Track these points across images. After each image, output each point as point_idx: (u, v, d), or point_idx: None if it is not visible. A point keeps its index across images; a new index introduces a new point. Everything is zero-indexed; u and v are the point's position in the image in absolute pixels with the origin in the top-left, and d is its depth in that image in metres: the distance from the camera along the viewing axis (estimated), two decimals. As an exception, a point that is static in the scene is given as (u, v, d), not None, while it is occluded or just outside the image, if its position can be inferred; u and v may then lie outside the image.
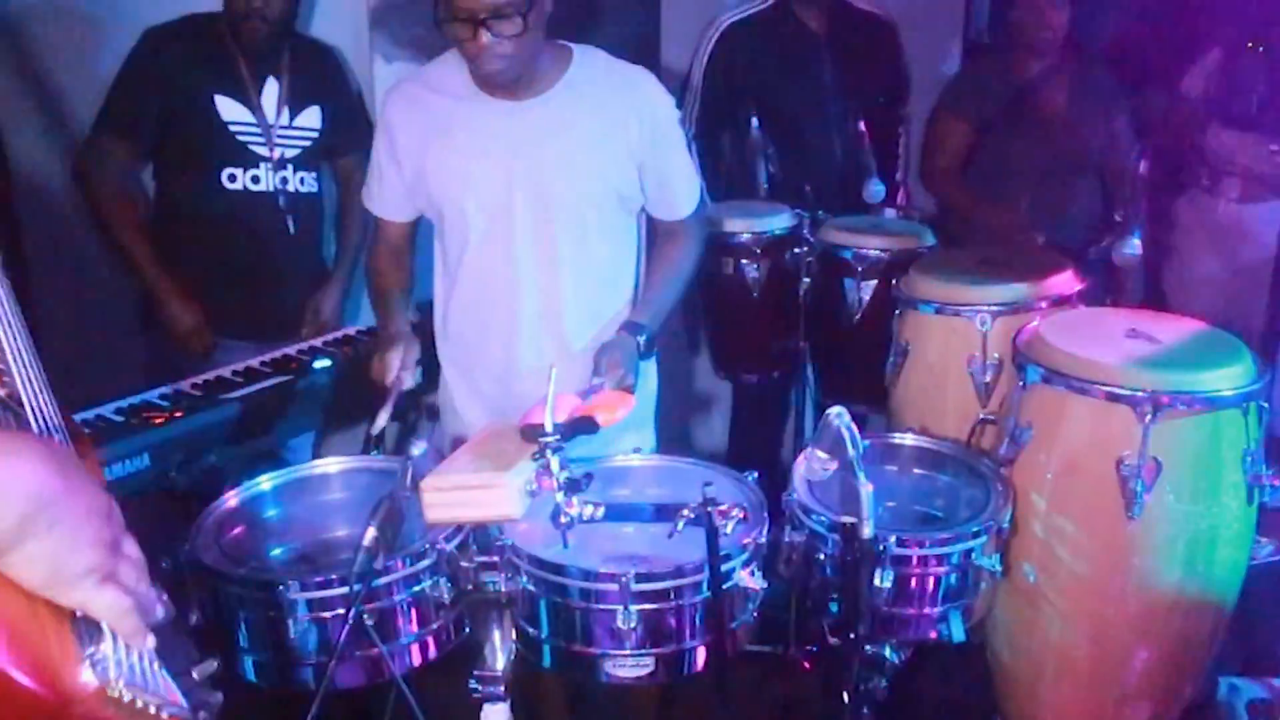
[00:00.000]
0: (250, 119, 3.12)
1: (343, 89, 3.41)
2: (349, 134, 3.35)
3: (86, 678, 0.94)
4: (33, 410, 1.16)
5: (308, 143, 3.24)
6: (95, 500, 0.96)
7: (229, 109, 3.10)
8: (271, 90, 3.16)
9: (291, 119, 3.20)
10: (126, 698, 0.98)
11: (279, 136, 3.17)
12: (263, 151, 3.14)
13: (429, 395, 2.71)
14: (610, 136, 2.37)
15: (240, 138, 3.12)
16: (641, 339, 2.35)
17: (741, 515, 1.74)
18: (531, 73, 2.32)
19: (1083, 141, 3.57)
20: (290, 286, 3.31)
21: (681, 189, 2.52)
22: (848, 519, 1.81)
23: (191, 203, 3.15)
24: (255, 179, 3.14)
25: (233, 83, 3.10)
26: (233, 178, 3.12)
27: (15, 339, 1.15)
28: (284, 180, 3.19)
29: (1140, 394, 2.09)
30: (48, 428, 1.18)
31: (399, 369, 2.33)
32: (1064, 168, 3.61)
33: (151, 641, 1.03)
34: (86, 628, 0.97)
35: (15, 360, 1.14)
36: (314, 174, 3.27)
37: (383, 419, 2.31)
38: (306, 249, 3.34)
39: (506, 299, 2.44)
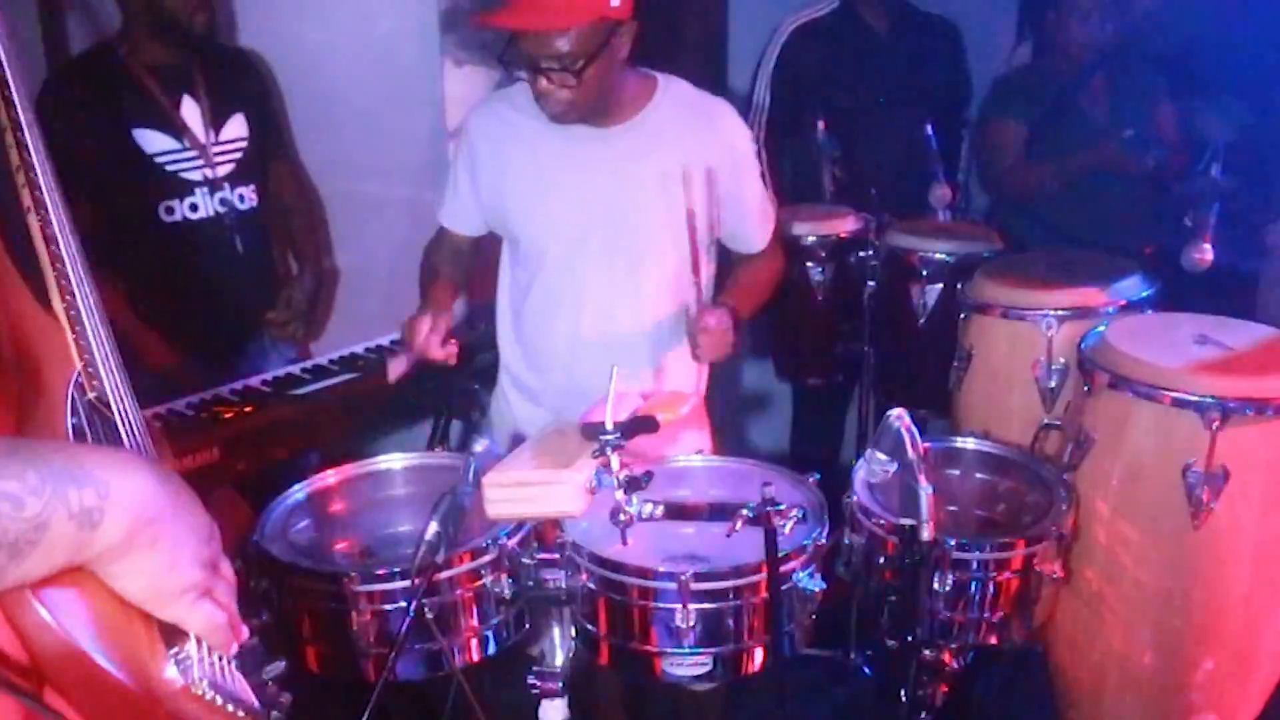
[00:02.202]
0: (175, 145, 2.91)
1: (263, 92, 3.22)
2: (276, 137, 3.25)
3: (171, 675, 0.97)
4: (119, 414, 1.19)
5: (239, 154, 3.04)
6: (197, 521, 0.98)
7: (151, 141, 2.88)
8: (191, 109, 2.94)
9: (218, 135, 3.00)
10: (208, 696, 1.01)
11: (211, 156, 2.98)
12: (195, 176, 2.94)
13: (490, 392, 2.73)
14: (691, 168, 2.36)
15: (169, 168, 2.91)
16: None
17: (800, 516, 1.74)
18: (613, 103, 2.31)
19: (1129, 143, 3.50)
20: (251, 307, 3.14)
21: (757, 222, 2.52)
22: (907, 521, 1.80)
23: (133, 243, 2.91)
24: (194, 207, 2.95)
25: (148, 112, 2.88)
26: (170, 210, 2.92)
27: (103, 343, 1.17)
28: (223, 201, 3.00)
29: (1207, 400, 2.06)
30: (133, 429, 1.20)
31: (427, 331, 2.26)
32: (1114, 169, 3.54)
33: (234, 649, 1.07)
34: (173, 629, 1.00)
35: (104, 363, 1.16)
36: (252, 186, 3.08)
37: (394, 369, 2.31)
38: (259, 265, 3.18)
39: (571, 322, 2.44)
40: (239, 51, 3.22)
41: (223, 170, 2.99)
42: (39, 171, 1.20)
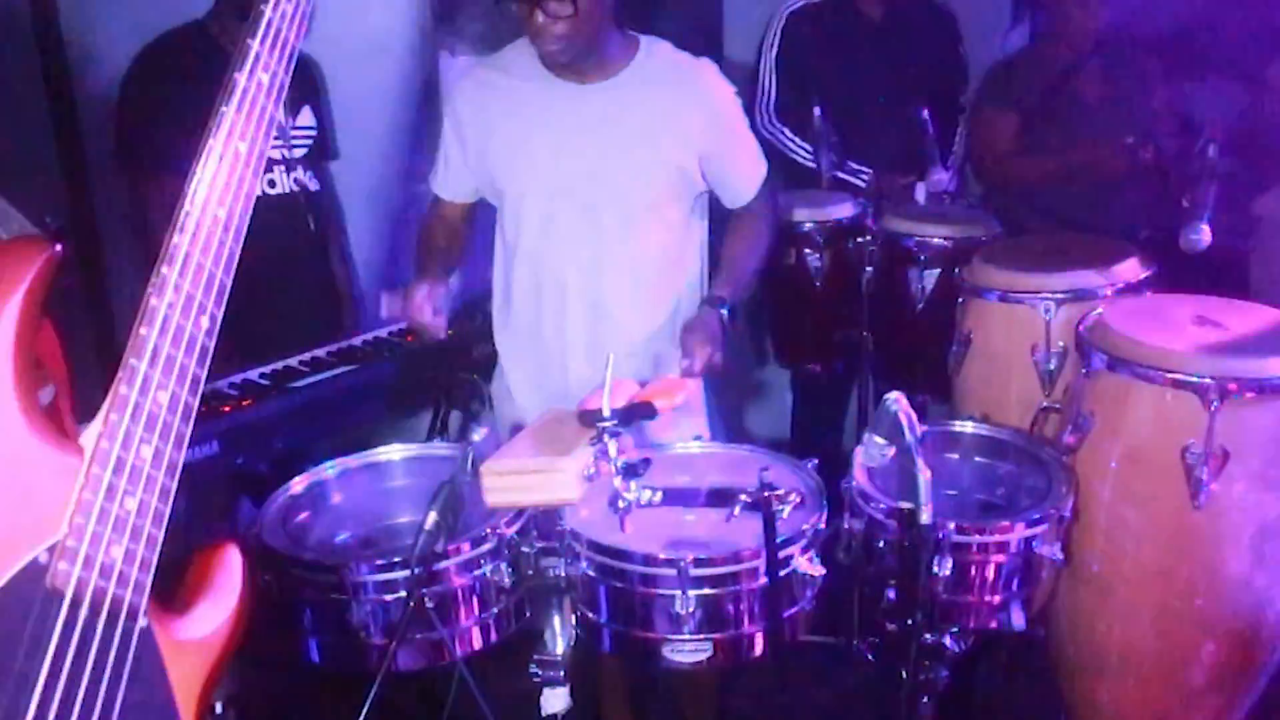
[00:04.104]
0: None
1: (325, 94, 3.36)
2: (329, 140, 3.35)
3: None
4: (100, 588, 1.11)
5: (310, 141, 3.22)
6: None
7: None
8: None
9: (294, 120, 3.16)
10: None
11: (289, 137, 3.13)
12: (274, 155, 3.04)
13: (489, 383, 2.73)
14: (670, 125, 2.38)
15: None
16: (724, 311, 2.33)
17: (798, 501, 1.74)
18: (598, 57, 2.34)
19: (1124, 127, 3.48)
20: (321, 286, 3.32)
21: (746, 174, 2.53)
22: (906, 505, 1.80)
23: None
24: (271, 183, 3.09)
25: None
26: None
27: (149, 471, 1.12)
28: (297, 181, 3.16)
29: (1206, 381, 2.06)
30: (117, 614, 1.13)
31: (422, 297, 2.35)
32: (1109, 154, 3.53)
33: None
34: None
35: (129, 500, 1.11)
36: (315, 173, 3.24)
37: (387, 306, 2.43)
38: (326, 248, 3.34)
39: (558, 283, 2.45)
40: (306, 57, 3.25)
41: (298, 153, 3.15)
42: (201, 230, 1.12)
